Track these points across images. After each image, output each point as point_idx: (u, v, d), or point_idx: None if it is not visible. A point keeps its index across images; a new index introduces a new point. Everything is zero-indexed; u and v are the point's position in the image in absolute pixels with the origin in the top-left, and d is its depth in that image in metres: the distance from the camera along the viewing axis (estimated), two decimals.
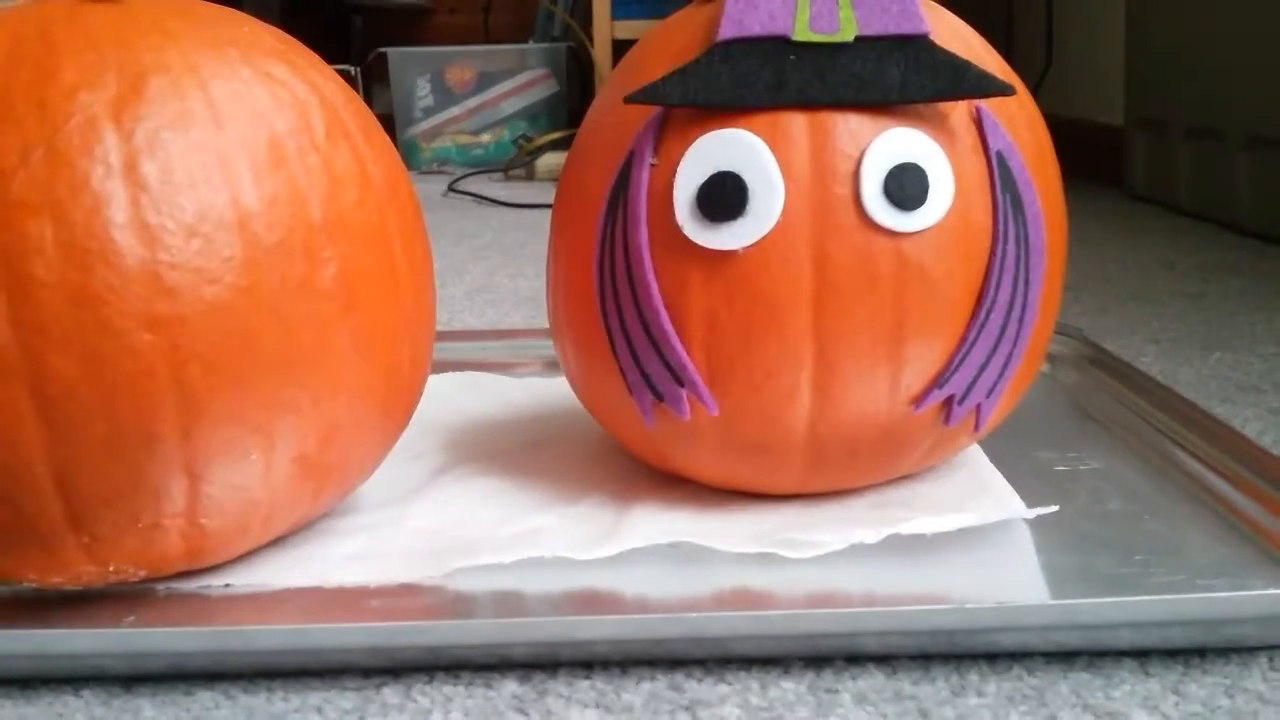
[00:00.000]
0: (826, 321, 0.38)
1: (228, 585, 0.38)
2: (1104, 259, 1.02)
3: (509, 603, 0.37)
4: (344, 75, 0.52)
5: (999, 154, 0.39)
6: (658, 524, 0.41)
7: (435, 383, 0.49)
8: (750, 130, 0.38)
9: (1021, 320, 0.39)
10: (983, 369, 0.39)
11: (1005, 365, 0.40)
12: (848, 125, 0.38)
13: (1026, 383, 0.43)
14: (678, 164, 0.38)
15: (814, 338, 0.38)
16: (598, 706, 0.33)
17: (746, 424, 0.40)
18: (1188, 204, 1.23)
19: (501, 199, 1.53)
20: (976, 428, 0.41)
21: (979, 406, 0.40)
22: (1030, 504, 0.41)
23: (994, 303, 0.39)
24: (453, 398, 0.57)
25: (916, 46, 0.38)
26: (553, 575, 0.38)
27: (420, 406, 0.44)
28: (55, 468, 0.33)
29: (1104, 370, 0.58)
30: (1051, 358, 0.60)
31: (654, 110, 0.39)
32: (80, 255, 0.32)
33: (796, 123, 0.38)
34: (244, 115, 0.35)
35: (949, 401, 0.40)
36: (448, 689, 0.34)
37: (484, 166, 1.91)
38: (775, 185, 0.37)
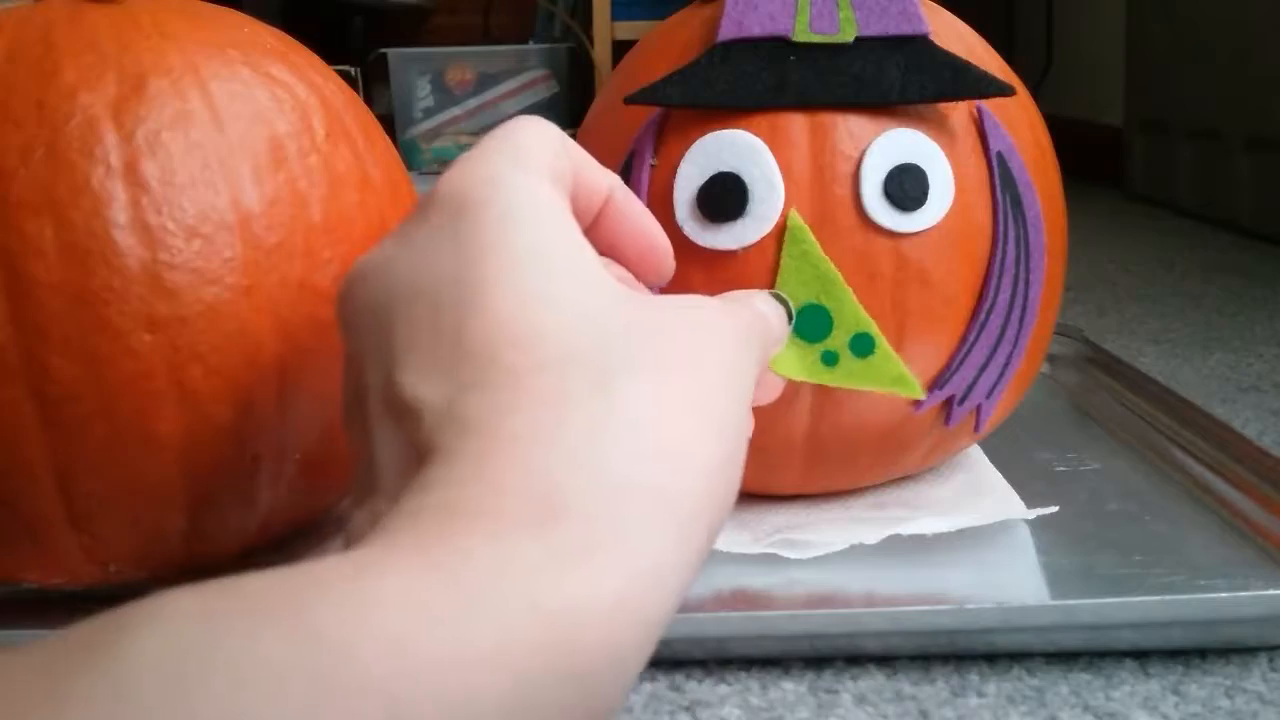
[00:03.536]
0: None
1: None
2: (1104, 259, 1.02)
3: None
4: (344, 75, 0.52)
5: (999, 154, 0.39)
6: None
7: None
8: (750, 131, 0.38)
9: (1021, 321, 0.39)
10: (983, 369, 0.39)
11: (1005, 366, 0.40)
12: (848, 126, 0.38)
13: (1026, 383, 0.43)
14: (678, 165, 0.38)
15: None
16: None
17: None
18: (1188, 204, 1.22)
19: None
20: (976, 428, 0.41)
21: (979, 407, 0.40)
22: (1030, 504, 0.41)
23: (994, 303, 0.39)
24: None
25: (916, 47, 0.38)
26: None
27: None
28: (55, 468, 0.33)
29: (1104, 370, 0.58)
30: (1051, 358, 0.60)
31: (654, 111, 0.39)
32: (81, 256, 0.32)
33: (796, 123, 0.38)
34: (244, 116, 0.35)
35: (949, 402, 0.40)
36: None
37: None
38: (775, 186, 0.37)
